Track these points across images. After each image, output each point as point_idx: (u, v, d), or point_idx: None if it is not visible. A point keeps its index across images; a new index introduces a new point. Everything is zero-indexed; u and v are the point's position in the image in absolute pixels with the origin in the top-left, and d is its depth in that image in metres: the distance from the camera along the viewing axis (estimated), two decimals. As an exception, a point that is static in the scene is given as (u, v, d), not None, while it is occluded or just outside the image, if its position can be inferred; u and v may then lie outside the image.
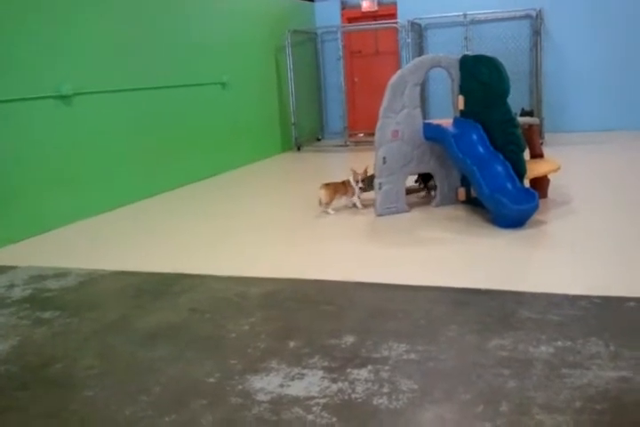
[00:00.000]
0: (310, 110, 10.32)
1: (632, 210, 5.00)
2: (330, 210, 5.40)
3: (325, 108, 10.80)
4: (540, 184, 5.31)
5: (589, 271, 3.71)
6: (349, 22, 10.23)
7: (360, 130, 10.28)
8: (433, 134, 5.15)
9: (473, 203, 5.41)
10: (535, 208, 4.58)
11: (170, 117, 6.94)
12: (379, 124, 5.08)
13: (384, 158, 5.13)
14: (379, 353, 2.80)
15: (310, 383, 2.58)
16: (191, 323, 3.29)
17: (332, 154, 9.49)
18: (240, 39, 8.36)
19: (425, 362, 2.70)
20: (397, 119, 5.08)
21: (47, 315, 3.50)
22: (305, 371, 2.68)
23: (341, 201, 5.55)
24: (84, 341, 3.15)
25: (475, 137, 5.01)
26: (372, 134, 10.52)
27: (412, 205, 5.46)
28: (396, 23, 9.44)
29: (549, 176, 5.36)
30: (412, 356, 2.76)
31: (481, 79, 4.96)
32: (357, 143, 9.81)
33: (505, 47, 8.62)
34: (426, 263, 4.07)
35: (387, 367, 2.67)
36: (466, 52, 8.02)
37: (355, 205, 5.53)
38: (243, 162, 8.39)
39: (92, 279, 4.10)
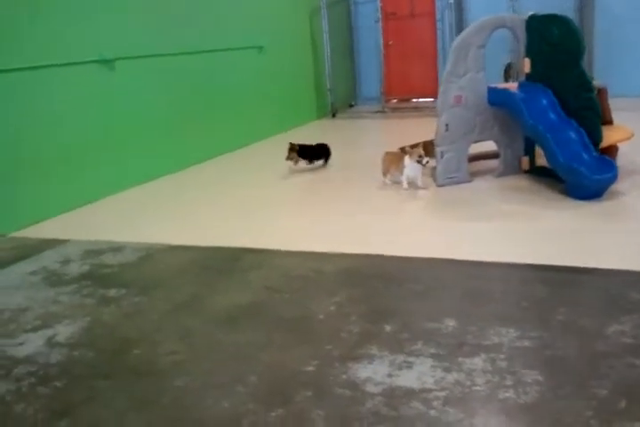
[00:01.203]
0: (344, 75, 9.94)
1: None
2: (387, 180, 5.12)
3: (359, 72, 10.41)
4: (609, 152, 4.97)
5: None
6: (384, -18, 9.75)
7: (394, 95, 9.91)
8: (499, 99, 4.83)
9: (537, 173, 5.12)
10: (614, 178, 4.30)
11: (207, 83, 6.64)
12: (441, 89, 4.76)
13: (447, 125, 4.82)
14: (488, 340, 2.57)
15: (422, 373, 2.35)
16: (270, 303, 3.06)
17: (368, 121, 9.16)
18: (275, 0, 7.97)
19: (542, 350, 2.47)
20: (460, 84, 4.76)
21: (112, 293, 3.29)
22: (411, 359, 2.46)
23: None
24: (158, 322, 2.94)
25: (545, 102, 4.68)
26: (407, 100, 10.37)
27: (471, 175, 5.18)
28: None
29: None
30: (526, 343, 2.53)
31: (551, 40, 4.60)
32: (395, 110, 9.46)
33: (554, 8, 8.14)
34: (505, 238, 3.81)
35: (502, 356, 2.44)
36: (512, 13, 7.62)
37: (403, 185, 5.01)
38: (278, 129, 8.08)
39: (150, 254, 3.88)
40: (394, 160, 5.03)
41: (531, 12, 4.75)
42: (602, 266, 3.26)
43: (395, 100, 10.11)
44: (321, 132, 8.48)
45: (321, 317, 2.87)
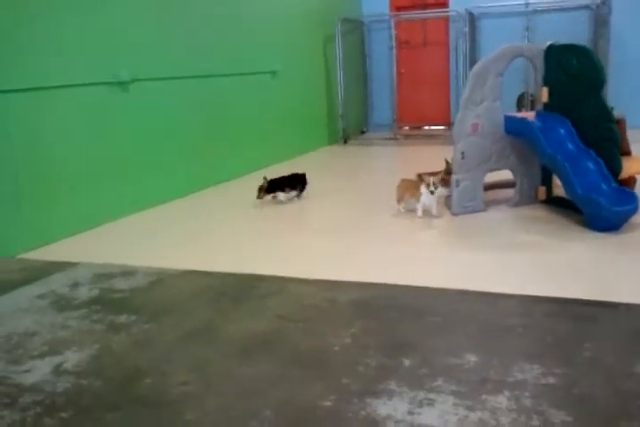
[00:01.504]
0: (356, 102, 9.97)
1: None
2: (401, 208, 5.05)
3: (371, 99, 10.43)
4: (628, 184, 4.91)
5: None
6: (398, 11, 9.83)
7: (406, 123, 9.92)
8: (516, 128, 4.79)
9: (553, 203, 5.06)
10: (635, 210, 4.22)
11: (220, 107, 6.64)
12: (459, 117, 4.72)
13: (462, 153, 4.78)
14: (511, 376, 2.47)
15: (444, 411, 2.25)
16: (285, 333, 2.97)
17: (380, 147, 9.15)
18: (290, 27, 8.03)
19: (569, 388, 2.37)
20: (477, 111, 4.73)
21: (122, 319, 3.21)
22: (432, 395, 2.36)
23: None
24: (169, 351, 2.85)
25: (563, 132, 4.64)
26: (418, 128, 10.37)
27: (486, 204, 5.11)
28: (450, 12, 9.04)
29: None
30: (552, 380, 2.43)
31: (570, 70, 4.58)
32: (407, 137, 9.45)
33: (569, 39, 8.19)
34: (523, 269, 3.73)
35: (527, 394, 2.34)
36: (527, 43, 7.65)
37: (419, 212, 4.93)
38: (290, 155, 8.06)
39: (162, 279, 3.81)
40: (409, 187, 4.96)
41: (549, 42, 4.74)
42: (624, 300, 3.17)
43: (406, 128, 10.12)
44: (332, 158, 8.47)
45: (337, 348, 2.78)
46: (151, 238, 4.74)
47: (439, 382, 2.46)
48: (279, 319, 3.13)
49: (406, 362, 2.63)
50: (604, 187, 4.36)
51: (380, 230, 4.70)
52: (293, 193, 5.72)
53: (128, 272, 3.93)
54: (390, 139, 9.41)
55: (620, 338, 2.78)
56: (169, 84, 5.83)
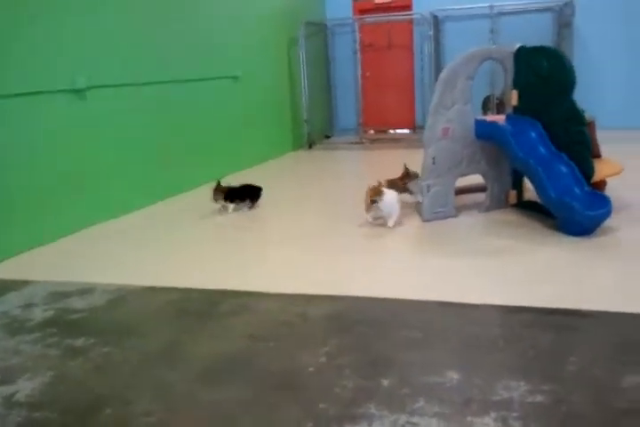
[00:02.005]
0: (321, 106, 9.83)
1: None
2: (369, 217, 4.81)
3: (335, 104, 10.32)
4: (598, 186, 4.88)
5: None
6: (361, 14, 9.74)
7: (371, 127, 9.82)
8: (486, 132, 4.70)
9: (524, 207, 4.99)
10: (608, 214, 4.16)
11: (182, 114, 6.41)
12: (429, 122, 4.61)
13: (433, 158, 4.67)
14: (497, 395, 2.34)
15: (428, 437, 2.12)
16: (255, 353, 2.80)
17: (346, 152, 9.01)
18: (252, 31, 7.84)
19: (557, 406, 2.25)
20: (448, 116, 4.62)
21: (80, 342, 2.99)
22: (415, 419, 2.22)
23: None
24: (131, 376, 2.65)
25: (534, 135, 4.57)
26: (383, 131, 10.29)
27: (457, 209, 5.00)
28: (414, 15, 8.97)
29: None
30: (539, 398, 2.30)
31: (540, 72, 4.51)
32: (373, 141, 9.34)
33: (533, 41, 8.20)
34: (498, 277, 3.61)
35: (514, 414, 2.21)
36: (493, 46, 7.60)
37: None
38: (255, 161, 7.88)
39: (122, 297, 3.59)
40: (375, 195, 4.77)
41: (518, 44, 4.67)
42: (604, 308, 3.08)
43: (372, 132, 10.02)
44: (297, 164, 8.31)
45: (311, 369, 2.62)
46: (110, 252, 4.51)
47: (421, 403, 2.32)
48: (248, 339, 2.95)
49: (385, 382, 2.48)
50: (577, 191, 4.30)
51: (348, 239, 4.55)
52: (243, 204, 5.56)
53: (85, 290, 3.71)
54: (356, 143, 9.29)
55: (604, 349, 2.68)
56: (127, 90, 5.59)
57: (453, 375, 2.50)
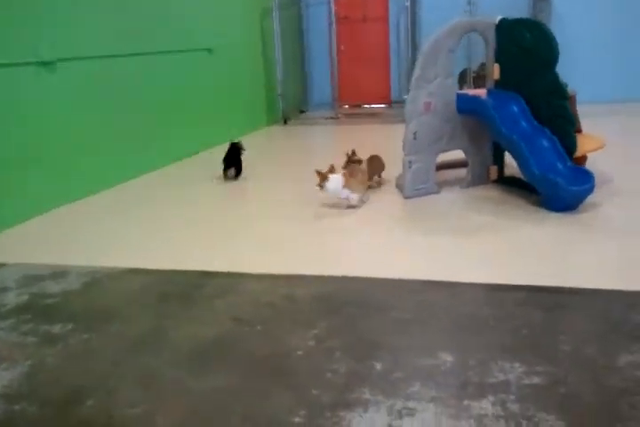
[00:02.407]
0: (295, 80, 9.64)
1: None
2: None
3: (310, 78, 10.12)
4: (578, 162, 4.85)
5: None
6: (335, -15, 9.51)
7: (346, 101, 9.67)
8: (468, 107, 4.61)
9: (505, 182, 4.96)
10: (592, 189, 4.13)
11: (155, 87, 6.21)
12: (410, 96, 4.50)
13: (415, 134, 4.58)
14: (493, 377, 2.30)
15: (427, 422, 2.06)
16: (242, 337, 2.71)
17: (322, 127, 8.87)
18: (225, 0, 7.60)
19: (554, 388, 2.21)
20: (430, 89, 4.52)
21: (57, 329, 2.87)
22: (411, 404, 2.16)
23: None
24: (113, 364, 2.54)
25: (516, 109, 4.50)
26: (359, 106, 10.14)
27: (438, 186, 4.94)
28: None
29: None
30: (536, 380, 2.26)
31: (523, 45, 4.42)
32: (348, 116, 9.20)
33: (510, 13, 8.08)
34: (485, 255, 3.57)
35: (512, 397, 2.17)
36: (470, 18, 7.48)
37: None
38: (228, 136, 7.68)
39: (99, 280, 3.46)
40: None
41: (500, 16, 4.56)
42: (593, 286, 3.05)
43: (346, 107, 9.87)
44: (273, 140, 8.15)
45: (300, 353, 2.54)
46: (83, 233, 4.35)
47: (416, 387, 2.26)
48: (234, 322, 2.86)
49: (378, 366, 2.42)
50: (560, 166, 4.26)
51: (329, 218, 4.46)
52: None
53: (60, 273, 3.56)
54: (331, 118, 9.15)
55: (595, 327, 2.65)
56: (98, 63, 5.37)
57: (447, 357, 2.45)
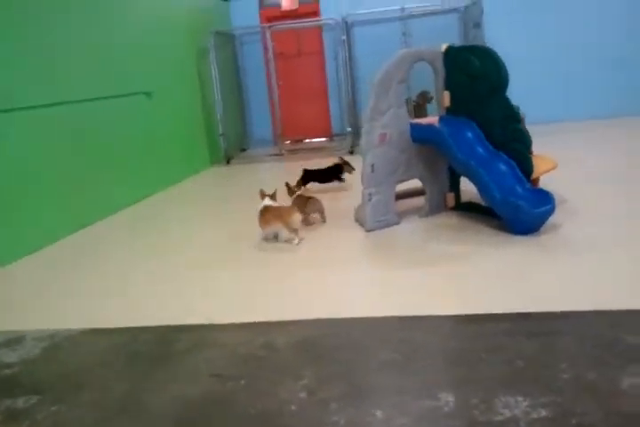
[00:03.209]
0: (235, 119, 9.55)
1: (631, 199, 4.72)
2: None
3: (249, 115, 10.06)
4: (532, 183, 4.91)
5: (653, 278, 3.30)
6: (269, 22, 9.55)
7: (288, 137, 9.63)
8: (423, 136, 4.62)
9: (463, 209, 4.96)
10: (553, 210, 4.16)
11: (90, 135, 5.94)
12: (365, 128, 4.47)
13: (372, 166, 4.54)
14: (499, 414, 2.20)
15: (443, 472, 1.94)
16: (227, 395, 2.53)
17: (267, 165, 8.76)
18: (160, 43, 7.46)
19: (566, 420, 2.13)
20: (384, 121, 4.51)
21: (21, 403, 2.60)
22: (422, 453, 2.04)
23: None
24: (89, 439, 2.32)
25: (470, 135, 4.53)
26: (300, 141, 10.13)
27: (398, 216, 4.89)
28: (324, 20, 8.89)
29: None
30: (543, 413, 2.18)
31: (471, 72, 4.48)
32: (292, 151, 9.15)
33: (445, 42, 8.30)
34: (459, 285, 3.50)
35: (525, 434, 2.08)
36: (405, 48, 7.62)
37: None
38: (171, 181, 7.49)
39: (58, 344, 3.20)
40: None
41: (445, 44, 4.62)
42: (572, 308, 3.02)
43: (288, 142, 9.83)
44: (217, 181, 7.96)
45: (293, 408, 2.38)
46: (33, 293, 4.06)
47: (424, 433, 2.14)
48: (214, 379, 2.68)
49: (379, 413, 2.28)
50: (520, 189, 4.29)
51: (292, 256, 4.32)
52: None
53: (13, 340, 3.28)
54: (275, 155, 9.08)
55: (590, 351, 2.60)
56: (29, 113, 5.12)
57: (448, 398, 2.34)
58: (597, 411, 2.16)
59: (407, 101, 8.42)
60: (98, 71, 6.14)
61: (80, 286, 4.11)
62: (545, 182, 5.06)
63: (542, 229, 4.25)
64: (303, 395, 2.46)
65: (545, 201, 4.14)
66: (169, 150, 7.48)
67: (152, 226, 5.62)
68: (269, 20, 9.64)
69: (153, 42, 7.31)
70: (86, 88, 5.91)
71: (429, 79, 4.85)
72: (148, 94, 7.03)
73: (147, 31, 7.20)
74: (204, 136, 8.66)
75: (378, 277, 3.81)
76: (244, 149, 10.00)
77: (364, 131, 4.47)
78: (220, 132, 8.83)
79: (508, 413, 2.21)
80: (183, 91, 8.12)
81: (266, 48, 9.12)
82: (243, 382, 2.62)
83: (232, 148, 9.21)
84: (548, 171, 4.68)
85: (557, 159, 4.98)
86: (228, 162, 8.97)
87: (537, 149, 5.22)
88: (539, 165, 4.60)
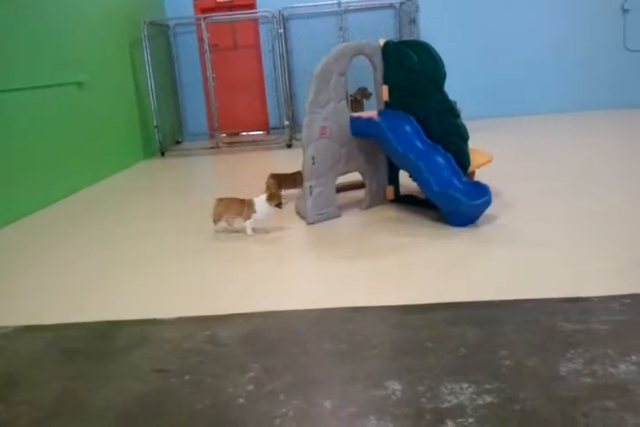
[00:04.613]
0: (170, 111, 9.35)
1: (565, 191, 4.91)
2: (216, 227, 4.62)
3: (184, 107, 9.87)
4: (468, 176, 5.03)
5: (586, 267, 3.44)
6: (203, 13, 9.38)
7: (224, 130, 9.51)
8: (363, 129, 4.65)
9: (402, 201, 5.03)
10: (490, 202, 4.27)
11: (19, 126, 5.69)
12: (306, 121, 4.46)
13: (313, 159, 4.53)
14: (446, 401, 2.24)
15: (394, 460, 1.95)
16: (172, 391, 2.47)
17: (203, 158, 8.62)
18: (92, 32, 7.21)
19: (509, 405, 2.19)
20: (324, 114, 4.51)
21: (-50, 407, 2.47)
22: (372, 441, 2.05)
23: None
24: (27, 441, 2.22)
25: (409, 129, 4.59)
26: (236, 134, 10.02)
27: (339, 209, 4.91)
28: (260, 13, 8.81)
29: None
30: (488, 399, 2.23)
31: (409, 66, 4.54)
32: (231, 144, 9.03)
33: (380, 37, 8.36)
34: (402, 275, 3.55)
35: (471, 420, 2.12)
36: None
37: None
38: (104, 174, 7.27)
39: (-10, 343, 3.06)
40: (230, 205, 4.54)
41: (383, 39, 4.66)
42: (512, 296, 3.11)
43: (224, 135, 9.71)
44: (152, 174, 7.77)
45: (241, 401, 2.35)
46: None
47: (373, 421, 2.15)
48: (158, 374, 2.61)
49: (327, 404, 2.28)
50: (457, 182, 4.38)
51: (235, 250, 4.28)
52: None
53: (-59, 339, 3.12)
54: (211, 148, 8.94)
55: (531, 338, 2.68)
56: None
57: (395, 386, 2.36)
58: (539, 396, 2.23)
59: (345, 96, 8.48)
60: (27, 60, 5.87)
61: (13, 283, 3.94)
62: (480, 175, 5.19)
63: (479, 220, 4.36)
64: (250, 388, 2.44)
65: (481, 193, 4.25)
66: (101, 143, 7.25)
67: (83, 221, 5.43)
68: (204, 11, 9.48)
69: (85, 31, 7.06)
70: (14, 77, 5.65)
71: (369, 75, 4.89)
72: (79, 85, 6.79)
73: (78, 20, 6.94)
74: (138, 128, 8.45)
75: (321, 269, 3.81)
76: (178, 142, 9.82)
77: (304, 124, 4.46)
78: (155, 124, 8.63)
79: (454, 399, 2.25)
80: (116, 82, 7.88)
81: (201, 39, 8.97)
82: (187, 377, 2.57)
83: (167, 140, 9.03)
84: (483, 164, 4.80)
85: (492, 153, 5.12)
86: (162, 154, 8.78)
87: (472, 143, 5.35)
88: (474, 159, 4.71)
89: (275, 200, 4.42)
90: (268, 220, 4.54)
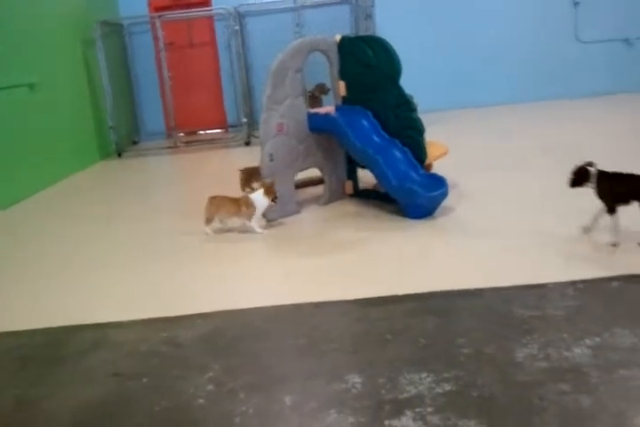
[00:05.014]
0: (125, 111, 9.19)
1: (519, 181, 4.97)
2: (207, 229, 4.46)
3: (140, 107, 9.72)
4: (426, 168, 5.06)
5: (542, 254, 3.49)
6: (157, 11, 9.23)
7: (181, 129, 9.37)
8: (321, 125, 4.63)
9: (361, 196, 5.04)
10: (446, 194, 4.30)
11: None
12: (263, 118, 4.43)
13: (271, 155, 4.50)
14: (405, 392, 2.25)
15: (354, 452, 1.95)
16: (130, 394, 2.43)
17: (161, 158, 8.49)
18: (43, 32, 7.02)
19: (468, 392, 2.21)
20: (281, 111, 4.48)
21: None
22: (332, 435, 2.05)
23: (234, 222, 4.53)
24: (-21, 451, 2.16)
25: (366, 124, 4.59)
26: (194, 133, 9.90)
27: (298, 205, 4.89)
28: (215, 10, 8.72)
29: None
30: (447, 387, 2.25)
31: (365, 61, 4.54)
32: (189, 143, 8.92)
33: (337, 33, 8.35)
34: (361, 270, 3.55)
35: (430, 409, 2.13)
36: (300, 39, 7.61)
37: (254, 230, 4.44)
38: (58, 177, 7.08)
39: (-60, 352, 2.96)
40: (224, 204, 4.41)
41: (339, 35, 4.65)
42: (470, 286, 3.14)
43: (181, 134, 9.57)
44: (109, 176, 7.61)
45: (201, 401, 2.32)
46: None
47: (334, 415, 2.15)
48: (115, 378, 2.56)
49: (288, 399, 2.27)
50: (414, 174, 4.40)
51: (192, 251, 4.20)
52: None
53: None
54: (169, 147, 8.82)
55: (487, 326, 2.71)
56: None
57: (355, 379, 2.36)
58: (497, 382, 2.26)
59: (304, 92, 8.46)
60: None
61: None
62: (437, 168, 5.23)
63: (437, 212, 4.39)
64: (210, 387, 2.41)
65: (438, 185, 4.28)
66: (54, 145, 7.08)
67: (37, 225, 5.30)
68: (159, 9, 9.34)
69: (36, 33, 6.88)
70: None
71: (326, 71, 4.88)
72: (31, 86, 6.63)
73: (30, 21, 6.77)
74: (93, 129, 8.27)
75: (280, 265, 3.79)
76: (135, 142, 9.65)
77: (261, 120, 4.43)
78: (110, 124, 8.47)
79: (413, 390, 2.26)
80: (69, 82, 7.71)
81: (156, 38, 8.83)
82: (145, 379, 2.52)
83: (123, 141, 8.87)
84: (440, 156, 4.83)
85: (448, 146, 5.16)
86: (119, 155, 8.62)
87: (429, 135, 5.38)
88: (431, 152, 4.73)
89: (272, 194, 4.37)
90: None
